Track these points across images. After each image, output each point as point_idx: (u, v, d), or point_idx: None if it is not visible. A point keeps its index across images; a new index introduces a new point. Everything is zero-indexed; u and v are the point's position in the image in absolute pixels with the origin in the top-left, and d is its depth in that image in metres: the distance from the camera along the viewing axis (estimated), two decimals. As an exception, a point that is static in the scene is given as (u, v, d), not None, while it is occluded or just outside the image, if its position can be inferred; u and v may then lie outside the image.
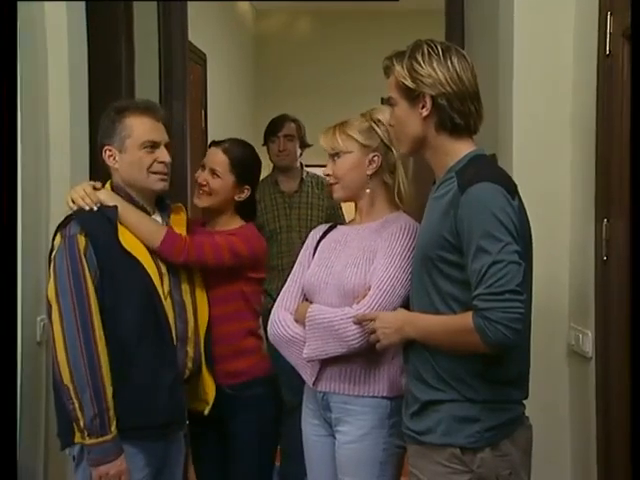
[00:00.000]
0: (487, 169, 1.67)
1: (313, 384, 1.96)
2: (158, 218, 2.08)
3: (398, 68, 1.69)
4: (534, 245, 2.37)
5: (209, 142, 2.33)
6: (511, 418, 1.68)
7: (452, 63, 1.65)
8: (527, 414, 2.39)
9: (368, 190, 1.99)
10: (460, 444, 1.63)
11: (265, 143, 3.49)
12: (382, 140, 1.97)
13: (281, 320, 1.99)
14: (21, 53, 2.25)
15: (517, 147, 2.41)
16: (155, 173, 2.00)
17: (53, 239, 1.96)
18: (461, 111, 1.66)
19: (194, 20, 3.73)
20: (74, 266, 1.88)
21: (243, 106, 6.08)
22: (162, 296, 1.97)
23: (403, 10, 5.92)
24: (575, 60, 2.36)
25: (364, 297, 1.87)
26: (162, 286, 1.98)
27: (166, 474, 2.04)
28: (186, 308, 2.04)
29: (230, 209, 2.26)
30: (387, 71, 1.76)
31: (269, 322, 2.03)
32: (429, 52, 1.66)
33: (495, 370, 1.64)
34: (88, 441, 1.86)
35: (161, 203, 2.10)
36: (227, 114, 5.39)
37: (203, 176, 2.23)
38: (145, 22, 3.37)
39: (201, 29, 4.26)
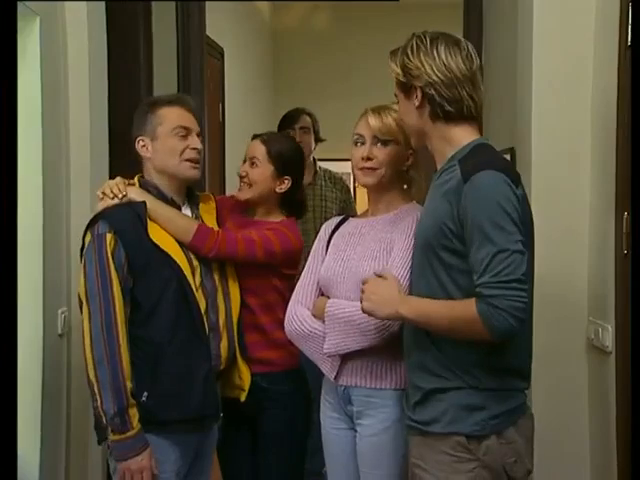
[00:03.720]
0: (490, 157, 1.68)
1: (334, 378, 1.96)
2: (187, 209, 2.09)
3: (392, 65, 1.76)
4: (552, 239, 2.37)
5: (252, 135, 2.30)
6: (515, 406, 1.68)
7: (438, 52, 1.69)
8: (546, 409, 2.40)
9: (405, 186, 2.00)
10: (466, 432, 1.64)
11: None
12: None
13: (299, 316, 1.99)
14: (42, 50, 2.27)
15: (536, 140, 2.39)
16: (187, 160, 2.02)
17: (84, 237, 1.98)
18: (450, 98, 1.67)
19: (212, 15, 3.74)
20: (102, 266, 1.90)
21: (260, 100, 6.09)
22: (194, 288, 1.98)
23: (422, 3, 5.89)
24: (596, 52, 2.33)
25: None
26: (194, 278, 1.99)
27: (197, 467, 2.06)
28: (218, 298, 2.05)
29: (272, 202, 2.24)
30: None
31: (286, 318, 2.03)
32: (417, 45, 1.71)
33: (498, 359, 1.65)
34: (111, 437, 1.89)
35: (189, 194, 2.11)
36: (244, 108, 5.39)
37: (243, 167, 2.23)
38: (163, 17, 3.39)
39: (219, 24, 4.27)
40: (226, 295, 2.08)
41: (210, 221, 2.13)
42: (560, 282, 2.41)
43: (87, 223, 1.99)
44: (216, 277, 2.06)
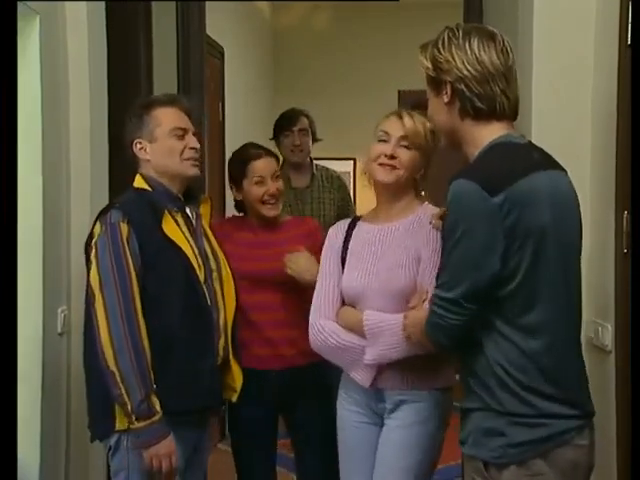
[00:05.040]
0: (481, 162, 1.59)
1: (370, 386, 1.95)
2: (188, 209, 2.09)
3: (422, 59, 1.67)
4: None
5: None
6: (547, 435, 1.53)
7: (470, 45, 1.60)
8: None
9: (422, 193, 2.03)
10: (483, 458, 1.56)
11: (275, 137, 3.47)
12: (431, 152, 2.01)
13: (326, 329, 1.96)
14: (42, 50, 2.27)
15: (536, 138, 2.37)
16: (187, 159, 2.03)
17: (92, 227, 1.97)
18: (481, 94, 1.59)
19: (212, 14, 3.74)
20: (117, 254, 1.89)
21: (260, 99, 6.08)
22: (201, 283, 2.00)
23: (422, 2, 5.89)
24: (596, 52, 2.34)
25: (422, 301, 1.82)
26: (200, 274, 2.01)
27: (196, 462, 2.07)
28: (217, 297, 2.06)
29: None
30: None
31: (310, 331, 2.00)
32: (449, 38, 1.63)
33: (525, 381, 1.54)
34: (136, 425, 1.87)
35: (190, 193, 2.12)
36: (244, 107, 5.39)
37: (276, 184, 2.31)
38: (163, 16, 3.39)
39: (219, 23, 4.26)
40: (223, 296, 2.09)
41: (205, 222, 2.14)
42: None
43: (98, 213, 1.98)
44: (215, 277, 2.08)
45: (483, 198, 1.50)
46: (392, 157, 1.96)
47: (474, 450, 1.59)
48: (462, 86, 1.60)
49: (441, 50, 1.63)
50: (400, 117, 1.97)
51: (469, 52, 1.60)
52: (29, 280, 2.21)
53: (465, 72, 1.59)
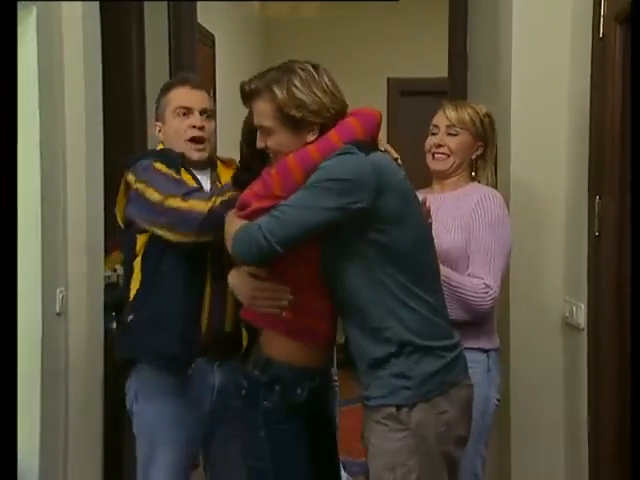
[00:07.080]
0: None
1: None
2: (205, 175, 2.07)
3: (281, 97, 1.62)
4: (530, 223, 2.46)
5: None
6: (445, 365, 1.68)
7: (325, 82, 1.65)
8: (524, 381, 2.50)
9: (473, 173, 2.15)
10: (395, 403, 1.66)
11: None
12: (487, 133, 2.15)
13: None
14: (39, 39, 2.32)
15: (515, 128, 2.47)
16: (190, 141, 2.05)
17: (122, 181, 1.99)
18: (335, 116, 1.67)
19: (203, 2, 3.78)
20: (167, 174, 1.92)
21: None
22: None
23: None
24: (572, 42, 2.41)
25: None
26: None
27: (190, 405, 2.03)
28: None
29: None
30: (253, 95, 1.71)
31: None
32: (307, 75, 1.63)
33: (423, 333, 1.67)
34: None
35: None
36: (236, 94, 5.43)
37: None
38: (155, 5, 3.43)
39: (210, 11, 4.30)
40: None
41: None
42: (536, 263, 2.50)
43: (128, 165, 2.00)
44: None
45: (354, 154, 1.58)
46: (440, 145, 2.14)
47: (384, 400, 1.66)
48: (331, 123, 1.63)
49: (302, 90, 1.61)
50: (444, 110, 2.15)
51: (327, 90, 1.63)
52: (28, 262, 2.27)
53: (332, 111, 1.63)
